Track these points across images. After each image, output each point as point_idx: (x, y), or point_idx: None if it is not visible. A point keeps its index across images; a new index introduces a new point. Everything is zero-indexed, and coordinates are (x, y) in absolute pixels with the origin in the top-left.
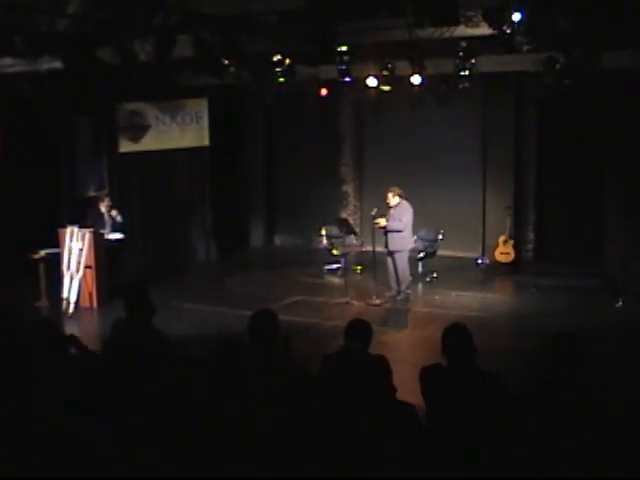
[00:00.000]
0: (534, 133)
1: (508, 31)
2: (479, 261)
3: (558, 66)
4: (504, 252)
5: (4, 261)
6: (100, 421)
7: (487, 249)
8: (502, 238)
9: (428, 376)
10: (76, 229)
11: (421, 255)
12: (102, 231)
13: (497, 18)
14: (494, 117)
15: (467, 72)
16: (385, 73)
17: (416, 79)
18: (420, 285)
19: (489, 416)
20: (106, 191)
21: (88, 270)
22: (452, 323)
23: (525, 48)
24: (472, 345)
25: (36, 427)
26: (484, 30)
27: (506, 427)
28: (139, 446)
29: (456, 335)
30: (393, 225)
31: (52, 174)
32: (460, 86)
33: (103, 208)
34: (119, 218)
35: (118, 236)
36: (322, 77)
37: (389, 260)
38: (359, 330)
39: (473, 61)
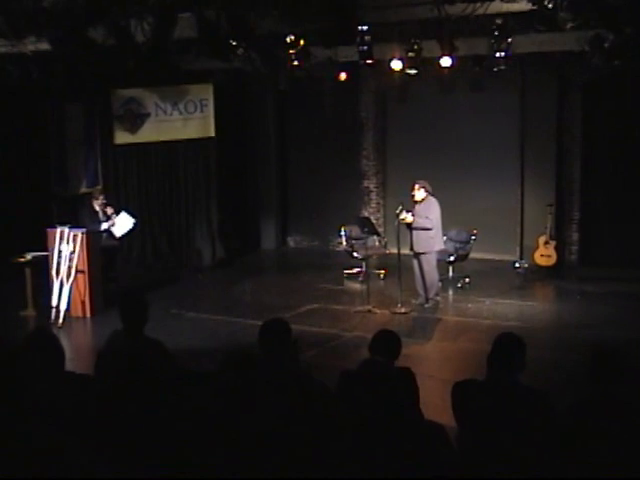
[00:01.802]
0: (579, 121)
1: (550, 6)
2: (517, 265)
3: (606, 45)
4: (545, 254)
5: None
6: (98, 442)
7: (526, 251)
8: (542, 239)
9: (461, 393)
10: (67, 229)
11: (452, 258)
12: (97, 231)
13: None
14: (534, 103)
15: (503, 53)
16: (411, 55)
17: (446, 61)
18: (450, 291)
19: (530, 439)
20: (100, 187)
21: (80, 275)
22: (508, 332)
23: (569, 25)
24: (523, 362)
25: (27, 447)
26: (522, 5)
27: (548, 450)
28: (140, 467)
29: (512, 347)
30: (419, 222)
31: (39, 168)
32: (495, 69)
33: (97, 206)
34: (115, 216)
35: (127, 221)
36: (341, 59)
37: (415, 263)
38: (386, 342)
39: (510, 41)
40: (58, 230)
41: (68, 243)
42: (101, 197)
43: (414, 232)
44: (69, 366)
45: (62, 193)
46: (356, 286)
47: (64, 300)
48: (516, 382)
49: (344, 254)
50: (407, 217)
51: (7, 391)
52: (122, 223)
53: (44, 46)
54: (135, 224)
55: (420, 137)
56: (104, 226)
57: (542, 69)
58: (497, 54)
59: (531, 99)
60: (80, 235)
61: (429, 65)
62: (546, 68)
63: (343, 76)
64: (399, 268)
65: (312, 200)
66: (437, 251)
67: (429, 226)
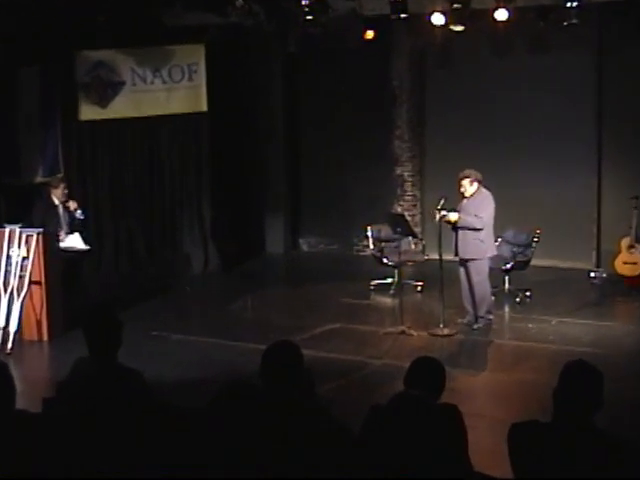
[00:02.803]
0: None
1: None
2: (592, 274)
3: None
4: (629, 262)
5: None
6: None
7: (604, 257)
8: (626, 242)
9: (521, 437)
10: (17, 229)
11: (508, 265)
12: (57, 233)
13: None
14: (615, 68)
15: (575, 2)
16: (457, 6)
17: (501, 14)
18: (506, 308)
19: None
20: (61, 175)
21: (35, 288)
22: (580, 361)
23: None
24: (600, 399)
25: None
26: None
27: None
28: None
29: (584, 380)
30: (466, 221)
31: None
32: (565, 23)
33: (57, 199)
34: (79, 213)
35: (78, 243)
36: (367, 13)
37: (462, 272)
38: (426, 373)
39: None
40: (7, 230)
41: (20, 247)
42: (62, 187)
43: (460, 233)
44: (20, 403)
45: (13, 183)
46: (386, 301)
47: (14, 319)
48: (590, 425)
49: (371, 260)
50: (450, 215)
51: None
52: (71, 242)
53: None
54: (88, 251)
55: (468, 112)
56: None
57: (626, 22)
58: (567, 4)
59: (611, 62)
60: (35, 236)
61: (480, 19)
62: (632, 21)
63: (370, 34)
64: (441, 278)
65: (331, 192)
66: (489, 257)
67: (479, 226)
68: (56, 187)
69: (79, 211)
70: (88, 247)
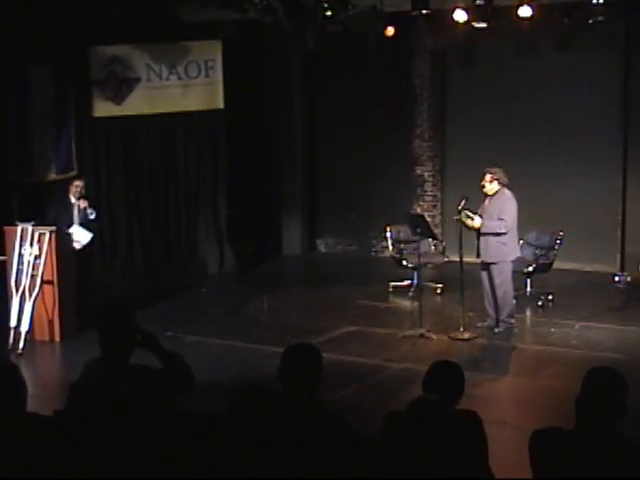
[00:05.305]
0: None
1: None
2: (617, 278)
3: None
4: None
5: None
6: None
7: (628, 260)
8: None
9: (542, 445)
10: (30, 227)
11: (530, 268)
12: (71, 230)
13: None
14: None
15: None
16: (479, 3)
17: (525, 11)
18: (528, 312)
19: None
20: (74, 173)
21: (47, 287)
22: (604, 367)
23: None
24: (624, 406)
25: None
26: None
27: None
28: None
29: (608, 386)
30: (490, 226)
31: None
32: (591, 20)
33: (73, 197)
34: (90, 211)
35: (82, 237)
36: (388, 9)
37: (484, 275)
38: (445, 377)
39: None
40: (19, 228)
41: (32, 245)
42: (78, 183)
43: (482, 237)
44: (32, 405)
45: (25, 180)
46: (405, 303)
47: (26, 319)
48: (613, 432)
49: (390, 262)
50: (474, 221)
51: None
52: (77, 237)
53: None
54: (93, 239)
55: (490, 111)
56: None
57: None
58: (593, 0)
59: (638, 61)
60: (47, 235)
61: (503, 16)
62: None
63: (391, 31)
64: (461, 280)
65: (349, 192)
66: (512, 260)
67: (503, 230)
68: (72, 184)
69: (90, 209)
70: (91, 235)
